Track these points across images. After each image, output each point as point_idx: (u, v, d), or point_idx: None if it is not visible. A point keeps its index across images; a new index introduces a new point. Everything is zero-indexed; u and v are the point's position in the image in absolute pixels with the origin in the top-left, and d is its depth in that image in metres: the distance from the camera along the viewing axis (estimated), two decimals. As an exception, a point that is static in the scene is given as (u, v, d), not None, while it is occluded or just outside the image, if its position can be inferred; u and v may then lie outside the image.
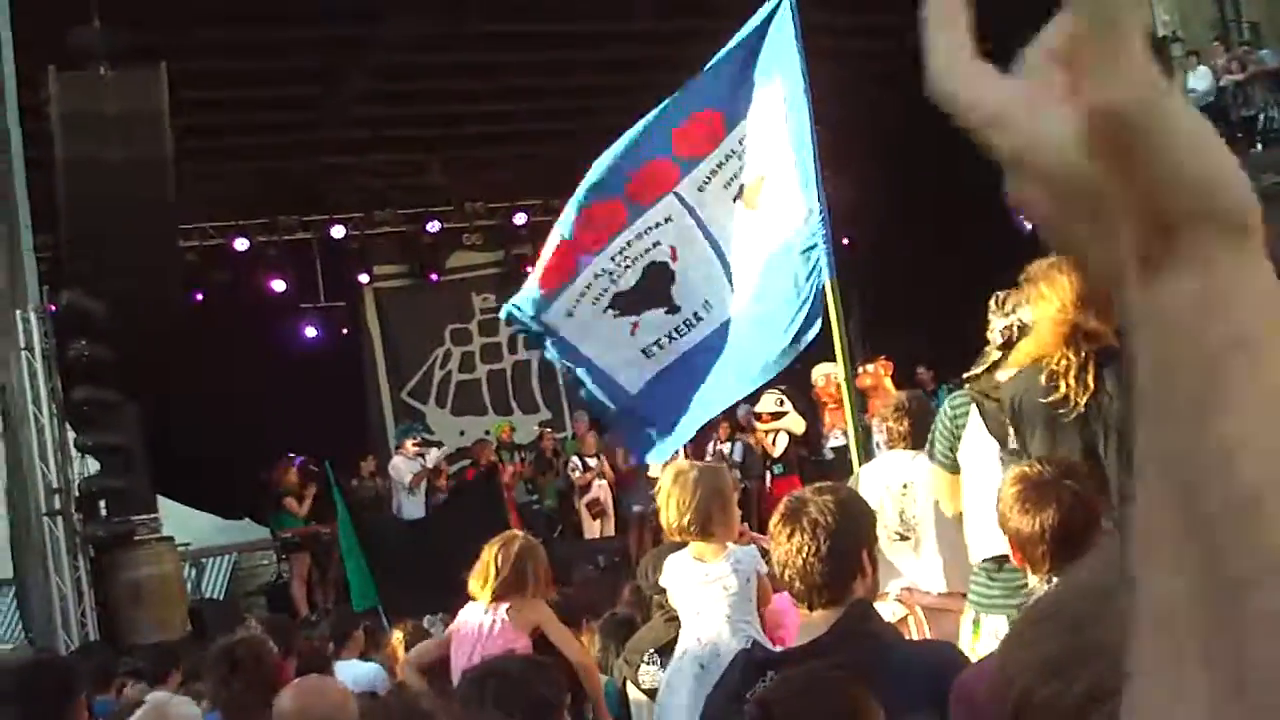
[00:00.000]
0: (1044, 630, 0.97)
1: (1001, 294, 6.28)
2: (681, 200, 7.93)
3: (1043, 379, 5.10)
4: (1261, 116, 21.86)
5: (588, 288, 8.20)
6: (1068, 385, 5.03)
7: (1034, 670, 0.96)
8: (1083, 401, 5.02)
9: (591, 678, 6.16)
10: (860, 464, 7.26)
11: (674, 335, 8.06)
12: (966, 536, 6.23)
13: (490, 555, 6.41)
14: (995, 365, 6.17)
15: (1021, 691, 0.95)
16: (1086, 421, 5.05)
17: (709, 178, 7.84)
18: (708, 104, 7.84)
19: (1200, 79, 21.84)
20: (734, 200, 7.78)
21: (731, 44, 7.74)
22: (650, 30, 17.57)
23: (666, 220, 8.01)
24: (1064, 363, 5.05)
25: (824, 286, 7.03)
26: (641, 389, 8.19)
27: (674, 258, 8.03)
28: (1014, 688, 0.96)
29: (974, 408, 6.22)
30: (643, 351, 8.14)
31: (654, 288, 8.09)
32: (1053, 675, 0.93)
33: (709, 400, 8.07)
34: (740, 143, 7.72)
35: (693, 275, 8.00)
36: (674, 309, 8.05)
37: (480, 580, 6.39)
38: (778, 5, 7.51)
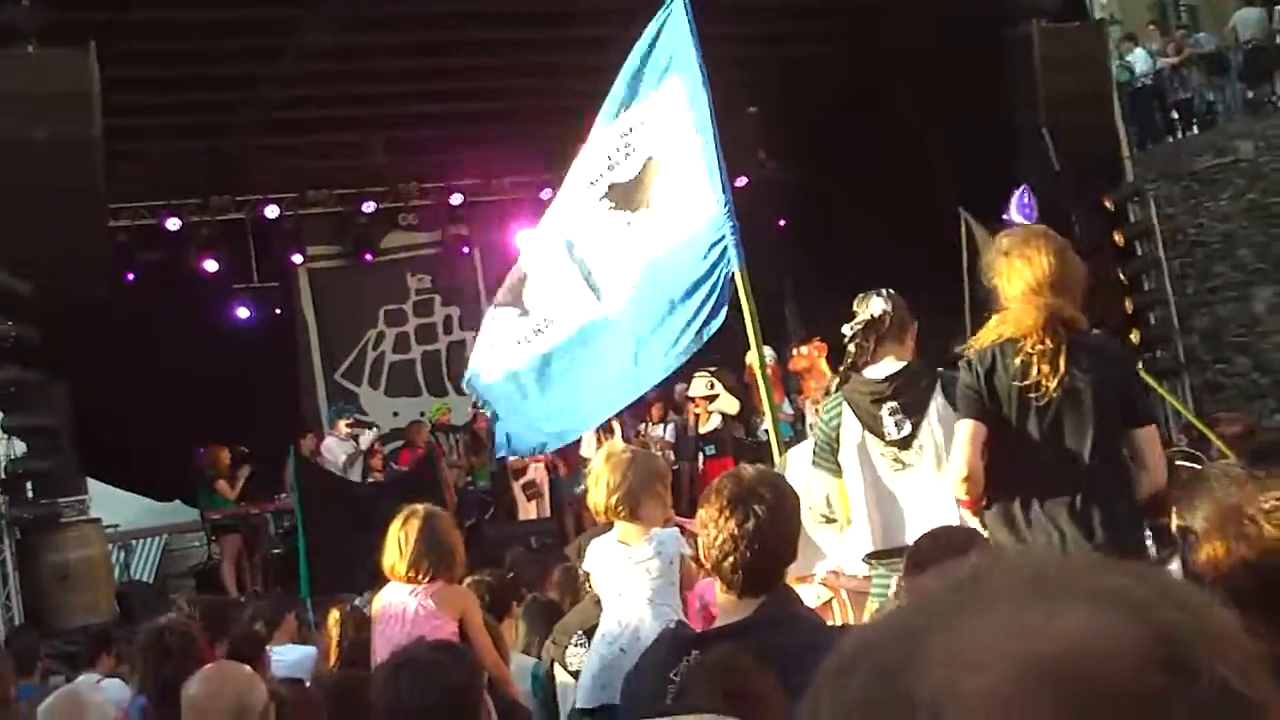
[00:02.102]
0: (850, 678, 0.90)
1: (860, 296, 6.38)
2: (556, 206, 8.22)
3: (1017, 360, 5.13)
4: (1197, 99, 22.07)
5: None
6: (1041, 370, 5.07)
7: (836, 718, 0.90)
8: (1053, 386, 5.07)
9: (506, 686, 6.13)
10: (780, 449, 7.27)
11: (521, 341, 8.18)
12: (858, 536, 6.32)
13: (394, 535, 6.40)
14: (856, 364, 6.27)
15: None
16: (1053, 405, 5.10)
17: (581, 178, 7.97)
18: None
19: (1138, 62, 22.05)
20: (599, 199, 7.84)
21: (640, 42, 7.76)
22: (595, 9, 17.51)
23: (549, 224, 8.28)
24: (1040, 347, 5.09)
25: (732, 275, 7.03)
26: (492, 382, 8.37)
27: (531, 260, 8.36)
28: None
29: (845, 407, 6.30)
30: (489, 344, 8.39)
31: (516, 285, 8.34)
32: None
33: (595, 401, 8.09)
34: (621, 138, 7.76)
35: (543, 283, 8.15)
36: (525, 312, 8.19)
37: (392, 562, 6.37)
38: (670, 7, 7.53)
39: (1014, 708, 0.82)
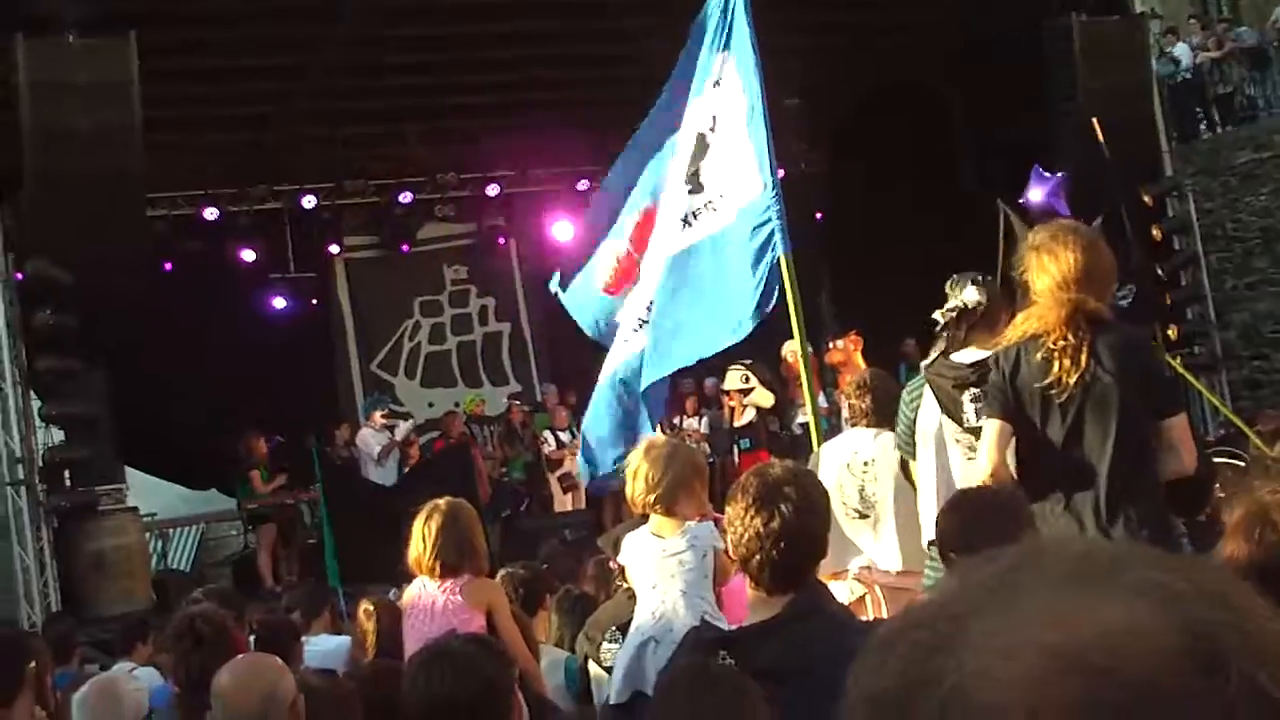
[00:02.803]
0: (889, 656, 0.91)
1: (954, 278, 6.33)
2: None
3: (1038, 357, 5.10)
4: (1238, 94, 21.91)
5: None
6: (1062, 366, 5.04)
7: (867, 701, 0.91)
8: (1073, 381, 5.03)
9: (534, 682, 6.12)
10: (819, 442, 7.25)
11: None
12: (923, 522, 6.27)
13: (418, 529, 6.43)
14: (946, 350, 6.23)
15: None
16: (1075, 401, 5.07)
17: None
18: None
19: (1178, 56, 21.91)
20: (685, 188, 7.77)
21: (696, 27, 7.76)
22: (627, 0, 17.50)
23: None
24: (1062, 343, 5.05)
25: (779, 261, 7.01)
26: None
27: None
28: (851, 714, 0.92)
29: (927, 390, 6.27)
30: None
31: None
32: (886, 709, 0.89)
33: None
34: (692, 128, 7.74)
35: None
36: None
37: (417, 557, 6.40)
38: None
39: (1040, 697, 0.83)
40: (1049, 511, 5.10)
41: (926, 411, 6.29)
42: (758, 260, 7.07)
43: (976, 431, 6.04)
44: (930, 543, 6.16)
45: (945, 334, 6.22)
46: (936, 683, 0.86)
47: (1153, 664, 0.84)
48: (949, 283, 6.33)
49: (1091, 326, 5.09)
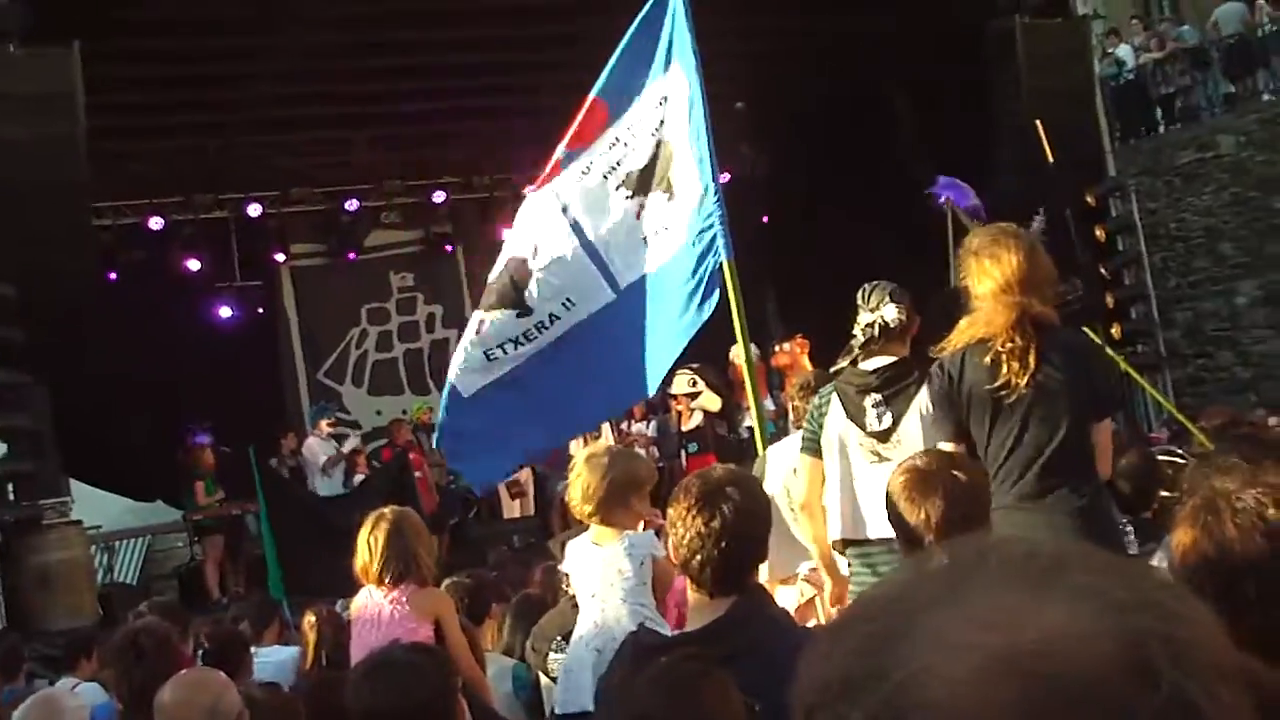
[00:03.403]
0: (837, 648, 0.94)
1: (868, 288, 6.40)
2: (556, 196, 7.83)
3: (987, 360, 5.13)
4: (1180, 94, 22.12)
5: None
6: (1011, 369, 5.08)
7: (816, 690, 0.93)
8: (1023, 383, 5.07)
9: (481, 692, 6.10)
10: (764, 446, 7.26)
11: (520, 341, 7.81)
12: (829, 521, 6.35)
13: (364, 539, 6.41)
14: (856, 358, 6.30)
15: (807, 706, 0.93)
16: (1024, 403, 5.11)
17: (588, 168, 7.76)
18: (597, 93, 7.77)
19: (1121, 57, 22.11)
20: (616, 188, 7.66)
21: (629, 31, 7.68)
22: (576, 3, 17.48)
23: (539, 215, 7.93)
24: (1010, 345, 5.09)
25: (721, 266, 6.99)
26: (475, 393, 7.95)
27: (534, 254, 7.83)
28: (800, 705, 0.94)
29: (834, 396, 6.33)
30: (485, 354, 7.86)
31: (509, 286, 7.88)
32: (833, 698, 0.91)
33: (598, 397, 7.99)
34: (628, 130, 7.66)
35: (551, 276, 7.79)
36: (525, 312, 7.82)
37: (364, 565, 6.37)
38: None
39: (980, 697, 0.85)
40: (1000, 515, 5.14)
41: (833, 417, 6.37)
42: (699, 264, 7.05)
43: (878, 436, 6.15)
44: (838, 542, 6.26)
45: (860, 346, 6.30)
46: (883, 676, 0.89)
47: (1088, 670, 0.86)
48: (862, 292, 6.39)
49: (1037, 329, 5.12)
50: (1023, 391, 5.08)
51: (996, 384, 5.11)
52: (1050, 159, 12.85)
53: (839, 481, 6.26)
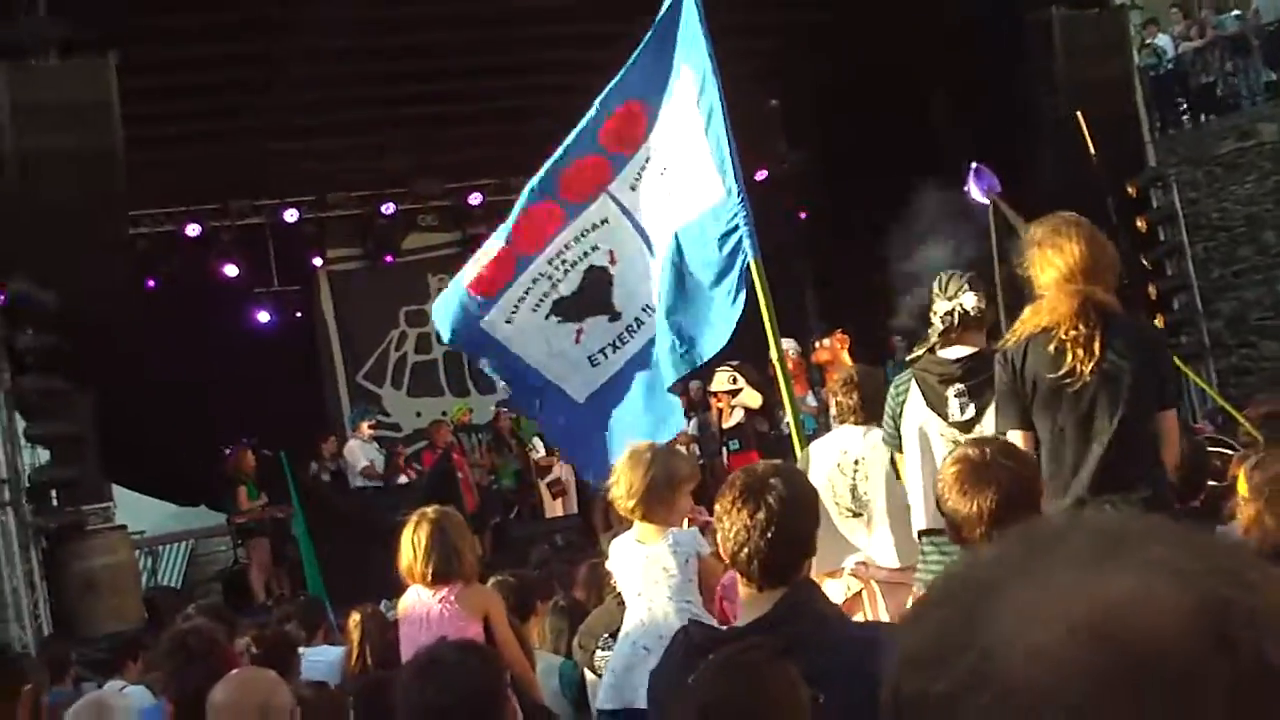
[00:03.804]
0: (924, 622, 0.98)
1: (944, 276, 6.36)
2: (616, 200, 7.85)
3: (1051, 348, 5.10)
4: (1220, 83, 21.93)
5: (526, 292, 8.09)
6: (1076, 356, 5.04)
7: (903, 663, 0.97)
8: (1088, 371, 5.04)
9: (530, 690, 6.10)
10: (801, 443, 7.21)
11: (617, 344, 7.97)
12: (912, 511, 6.30)
13: (408, 539, 6.39)
14: (934, 346, 6.25)
15: (894, 681, 0.97)
16: (1089, 390, 5.08)
17: (640, 174, 7.77)
18: (631, 96, 7.76)
19: (1161, 47, 21.94)
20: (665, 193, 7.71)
21: (649, 34, 7.67)
22: (603, 4, 17.47)
23: (604, 222, 7.94)
24: (1074, 333, 5.06)
25: (749, 266, 6.99)
26: (589, 398, 8.09)
27: (612, 261, 7.94)
28: (889, 679, 0.97)
29: (913, 384, 6.29)
30: (589, 359, 8.02)
31: (595, 293, 7.98)
32: (919, 671, 0.94)
33: (651, 406, 7.99)
34: (664, 134, 7.66)
35: (631, 279, 7.91)
36: (615, 316, 7.96)
37: (409, 565, 6.36)
38: None
39: (1059, 665, 0.88)
40: (1057, 497, 5.09)
41: (912, 406, 6.34)
42: (728, 267, 7.04)
43: (961, 426, 6.09)
44: (921, 533, 6.19)
45: (939, 335, 6.25)
46: (967, 648, 0.92)
47: (1166, 636, 0.88)
48: (938, 281, 6.35)
49: (1101, 317, 5.09)
50: (1087, 379, 5.05)
51: (1061, 372, 5.08)
52: (1093, 151, 12.73)
53: (920, 471, 6.22)
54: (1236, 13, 22.10)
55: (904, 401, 6.38)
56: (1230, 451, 7.98)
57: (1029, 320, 5.23)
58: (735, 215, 7.02)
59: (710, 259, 7.16)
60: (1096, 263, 5.18)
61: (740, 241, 7.00)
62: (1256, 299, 20.22)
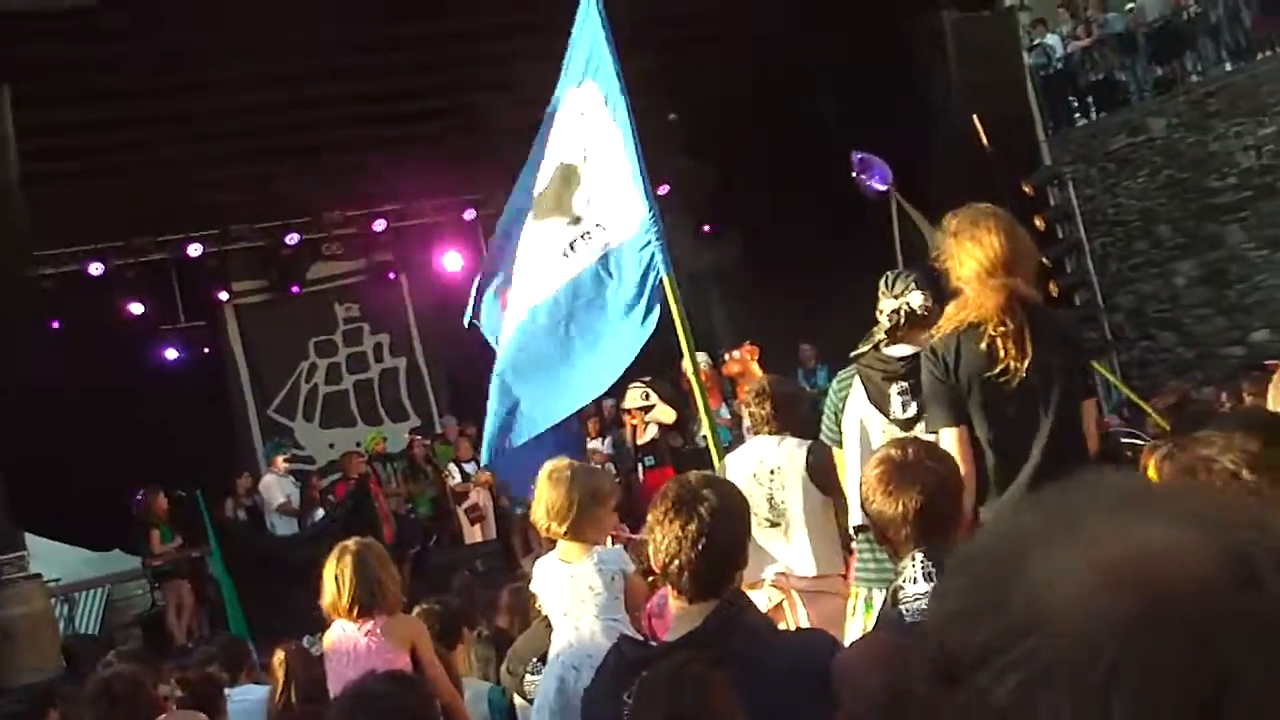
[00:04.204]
0: (956, 582, 1.02)
1: (891, 275, 6.38)
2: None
3: (982, 345, 5.08)
4: (1109, 81, 22.31)
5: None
6: (1008, 353, 5.04)
7: (940, 624, 1.01)
8: (1023, 368, 5.03)
9: (458, 716, 6.08)
10: (719, 455, 7.23)
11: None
12: (850, 507, 6.31)
13: (330, 573, 6.32)
14: (880, 344, 6.27)
15: (938, 636, 1.00)
16: (1023, 387, 5.07)
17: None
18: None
19: (1050, 46, 22.29)
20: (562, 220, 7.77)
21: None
22: (507, 24, 17.46)
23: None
24: (1002, 329, 5.05)
25: (662, 281, 7.01)
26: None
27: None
28: (927, 640, 1.02)
29: (857, 380, 6.31)
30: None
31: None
32: (958, 628, 0.98)
33: (553, 403, 7.98)
34: (556, 158, 7.73)
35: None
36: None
37: (332, 600, 6.31)
38: (586, 9, 7.52)
39: (1094, 611, 0.92)
40: (998, 493, 5.11)
41: (854, 402, 6.33)
42: (642, 283, 7.07)
43: (902, 424, 6.09)
44: (856, 528, 6.22)
45: (885, 332, 6.27)
46: (1003, 602, 0.96)
47: (1197, 578, 0.93)
48: (884, 279, 6.36)
49: (1026, 311, 5.10)
50: (1023, 375, 5.04)
51: (996, 370, 5.06)
52: (989, 151, 12.88)
53: (860, 467, 6.20)
54: (1130, 5, 22.48)
55: (846, 397, 6.37)
56: (1140, 443, 8.12)
57: (954, 315, 5.20)
58: (649, 230, 7.06)
59: (630, 283, 7.17)
60: (1016, 254, 5.17)
61: (653, 257, 7.03)
62: (1153, 292, 20.58)
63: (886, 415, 6.18)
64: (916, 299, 6.23)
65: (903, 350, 6.23)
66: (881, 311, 6.31)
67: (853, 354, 6.61)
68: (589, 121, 7.56)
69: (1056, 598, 0.93)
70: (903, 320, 6.21)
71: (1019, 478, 5.07)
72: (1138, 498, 1.02)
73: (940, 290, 5.85)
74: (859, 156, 10.41)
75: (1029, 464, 5.08)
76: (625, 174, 7.25)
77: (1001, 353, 5.05)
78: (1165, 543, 0.95)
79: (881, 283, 6.37)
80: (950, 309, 5.27)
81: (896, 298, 6.26)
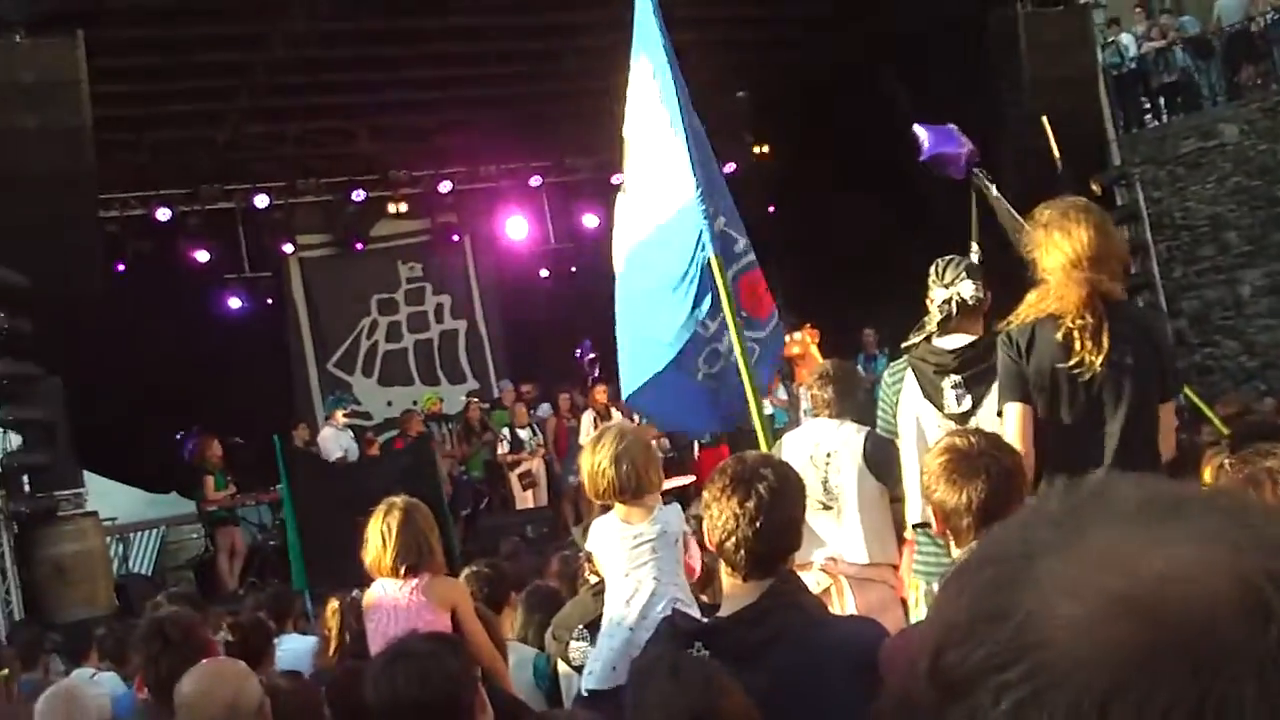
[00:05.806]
0: (962, 588, 0.98)
1: (941, 263, 6.33)
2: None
3: (1059, 336, 5.06)
4: (1182, 83, 22.09)
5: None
6: (1085, 346, 5.02)
7: (943, 631, 0.97)
8: (1098, 362, 5.01)
9: (501, 680, 6.06)
10: (766, 436, 7.12)
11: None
12: (906, 501, 6.29)
13: (376, 528, 6.28)
14: (931, 335, 6.25)
15: (935, 648, 0.97)
16: (1097, 381, 5.06)
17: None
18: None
19: (1124, 45, 22.09)
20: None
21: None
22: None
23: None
24: (1080, 322, 5.03)
25: (709, 262, 6.94)
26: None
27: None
28: (929, 647, 0.98)
29: (909, 374, 6.29)
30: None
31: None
32: (958, 639, 0.95)
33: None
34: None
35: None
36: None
37: (376, 556, 6.27)
38: None
39: (1095, 638, 0.88)
40: (1046, 483, 5.08)
41: (908, 397, 6.32)
42: (690, 262, 7.03)
43: (956, 418, 6.06)
44: (915, 526, 6.19)
45: (937, 323, 6.24)
46: (1005, 617, 0.92)
47: (1203, 611, 0.88)
48: (934, 268, 6.33)
49: (1107, 306, 5.07)
50: (1097, 370, 5.02)
51: (1071, 362, 5.04)
52: (1057, 155, 12.72)
53: (917, 463, 6.05)
54: (1213, 10, 22.26)
55: (899, 391, 6.35)
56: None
57: (1034, 304, 5.18)
58: (697, 210, 7.00)
59: (680, 261, 7.15)
60: (1104, 250, 5.14)
61: (701, 235, 6.97)
62: (1218, 298, 20.39)
63: (940, 409, 6.16)
64: (968, 288, 6.20)
65: (956, 341, 6.21)
66: (932, 301, 6.30)
67: (904, 344, 6.59)
68: (643, 99, 7.51)
69: (1058, 618, 0.90)
70: (954, 311, 6.18)
71: (1062, 476, 5.02)
72: (1154, 511, 0.96)
73: (986, 279, 5.81)
74: (928, 155, 10.14)
75: (1092, 460, 4.99)
76: (680, 152, 7.20)
77: (1077, 345, 5.02)
78: (1175, 567, 0.90)
79: (932, 270, 6.34)
80: (1031, 297, 5.23)
81: (947, 287, 6.24)
